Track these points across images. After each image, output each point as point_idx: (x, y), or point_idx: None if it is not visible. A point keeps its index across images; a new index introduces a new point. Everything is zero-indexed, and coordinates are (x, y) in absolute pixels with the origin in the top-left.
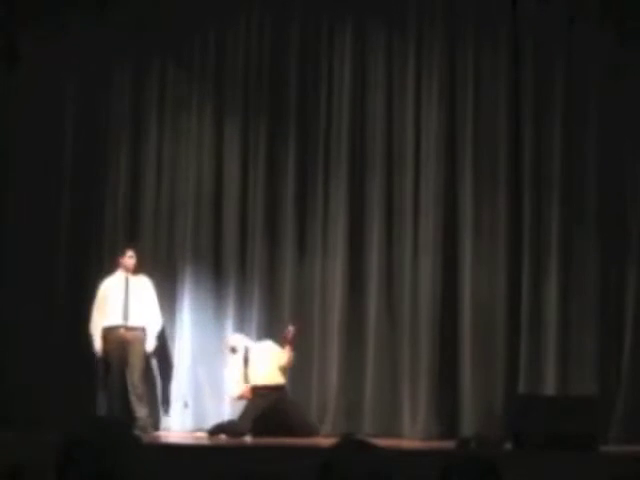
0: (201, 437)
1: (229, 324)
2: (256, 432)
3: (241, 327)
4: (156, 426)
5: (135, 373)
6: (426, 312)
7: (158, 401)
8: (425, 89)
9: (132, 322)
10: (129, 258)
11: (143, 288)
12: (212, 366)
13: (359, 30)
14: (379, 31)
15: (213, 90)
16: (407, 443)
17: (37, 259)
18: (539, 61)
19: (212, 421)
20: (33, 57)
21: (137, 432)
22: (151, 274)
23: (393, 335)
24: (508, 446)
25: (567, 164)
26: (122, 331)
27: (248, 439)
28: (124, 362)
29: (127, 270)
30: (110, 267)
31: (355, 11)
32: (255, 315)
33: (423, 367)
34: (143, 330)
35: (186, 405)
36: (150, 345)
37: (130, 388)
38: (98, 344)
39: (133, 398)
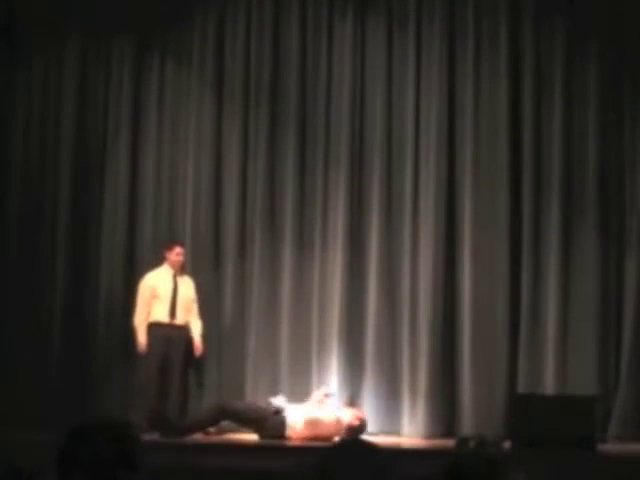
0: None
1: (227, 321)
2: None
3: (238, 324)
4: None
5: (176, 372)
6: (426, 310)
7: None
8: (425, 83)
9: (178, 320)
10: (177, 255)
11: (188, 287)
12: (211, 364)
13: (359, 24)
14: (379, 25)
15: (212, 86)
16: (406, 442)
17: (36, 258)
18: (539, 55)
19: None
20: (31, 54)
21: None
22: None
23: (392, 333)
24: (507, 445)
25: (567, 164)
26: (168, 329)
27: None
28: (166, 359)
29: (174, 267)
30: (108, 265)
31: (355, 5)
32: (254, 310)
33: (422, 366)
34: (187, 329)
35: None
36: (198, 347)
37: (169, 386)
38: (143, 338)
39: (171, 397)
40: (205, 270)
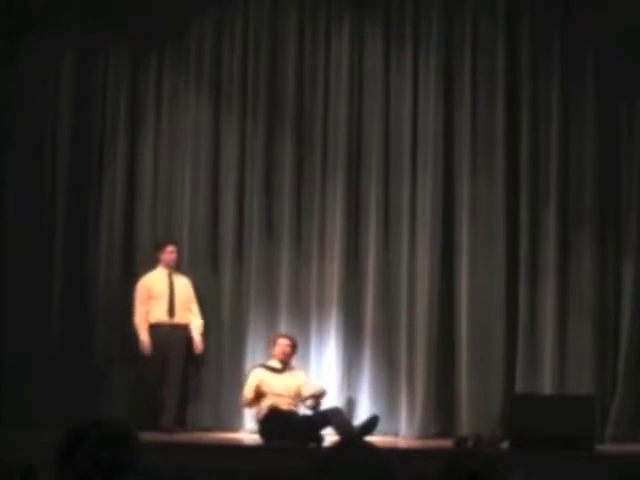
0: (200, 437)
1: (225, 324)
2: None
3: (236, 327)
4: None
5: (175, 372)
6: (424, 312)
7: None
8: (422, 89)
9: (177, 319)
10: (169, 253)
11: (185, 286)
12: (210, 367)
13: (356, 34)
14: (376, 35)
15: (210, 94)
16: (404, 442)
17: (35, 258)
18: (536, 60)
19: (208, 420)
20: (30, 58)
21: (161, 430)
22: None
23: (390, 335)
24: (505, 445)
25: (564, 167)
26: (167, 328)
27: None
28: (166, 360)
29: (168, 266)
30: (106, 267)
31: (352, 16)
32: (252, 316)
33: (420, 367)
34: (187, 328)
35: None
36: (198, 345)
37: (167, 385)
38: (145, 337)
39: (167, 395)
40: (203, 277)
